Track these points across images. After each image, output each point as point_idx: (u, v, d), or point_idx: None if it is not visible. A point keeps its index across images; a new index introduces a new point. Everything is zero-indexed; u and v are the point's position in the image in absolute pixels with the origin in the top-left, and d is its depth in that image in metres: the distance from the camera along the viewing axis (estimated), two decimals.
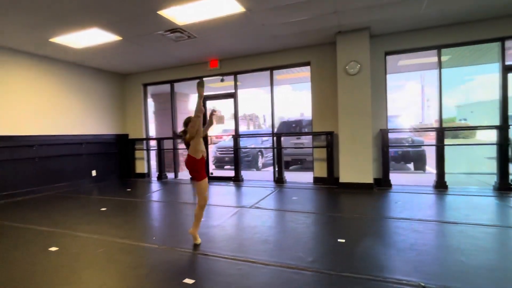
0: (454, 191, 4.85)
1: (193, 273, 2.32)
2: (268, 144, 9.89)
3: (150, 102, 8.75)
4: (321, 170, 5.98)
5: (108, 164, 7.45)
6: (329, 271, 2.26)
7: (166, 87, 7.91)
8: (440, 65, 5.25)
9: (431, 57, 6.01)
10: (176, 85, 7.63)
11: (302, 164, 9.16)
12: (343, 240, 2.87)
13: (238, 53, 6.37)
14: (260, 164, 10.44)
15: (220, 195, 5.40)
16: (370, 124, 5.24)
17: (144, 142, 7.85)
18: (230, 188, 6.00)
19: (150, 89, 8.14)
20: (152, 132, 8.72)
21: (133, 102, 7.92)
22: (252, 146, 10.08)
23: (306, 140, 8.54)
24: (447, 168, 5.16)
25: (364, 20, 4.80)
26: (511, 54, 5.41)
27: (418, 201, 4.40)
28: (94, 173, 7.04)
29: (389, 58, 5.63)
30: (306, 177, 6.52)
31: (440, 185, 5.08)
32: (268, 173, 8.12)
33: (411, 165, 8.56)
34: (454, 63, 7.17)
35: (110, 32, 4.83)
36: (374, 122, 5.43)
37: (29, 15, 4.11)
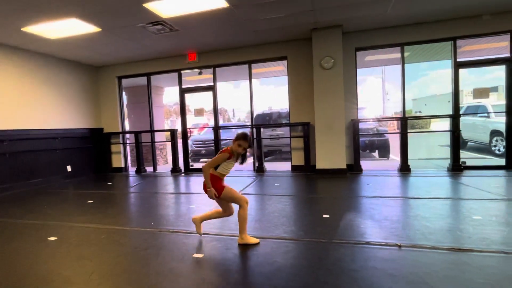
0: (416, 173, 5.48)
1: (200, 249, 2.53)
2: None
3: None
4: (298, 158, 6.37)
5: (83, 159, 7.24)
6: (320, 240, 2.60)
7: (139, 80, 7.81)
8: (403, 60, 5.83)
9: (394, 53, 6.63)
10: (152, 78, 7.57)
11: (280, 154, 9.53)
12: (328, 216, 3.23)
13: (217, 47, 6.50)
14: None
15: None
16: (343, 115, 5.70)
17: (120, 136, 7.71)
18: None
19: (123, 82, 7.98)
20: (126, 126, 8.56)
21: (107, 95, 7.72)
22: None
23: (281, 132, 8.90)
24: (409, 154, 5.80)
25: (338, 18, 5.20)
26: (461, 52, 6.14)
27: (387, 182, 4.94)
28: (69, 168, 6.82)
29: (359, 54, 6.12)
30: (284, 166, 6.89)
31: (404, 168, 5.70)
32: (247, 164, 8.35)
33: (376, 154, 9.31)
34: (412, 59, 7.92)
35: (89, 23, 4.74)
36: (346, 113, 5.90)
37: (2, 1, 3.92)
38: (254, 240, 2.56)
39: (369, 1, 4.52)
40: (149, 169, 7.65)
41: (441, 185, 4.54)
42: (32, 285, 2.03)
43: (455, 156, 5.53)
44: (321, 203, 3.89)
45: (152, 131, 7.60)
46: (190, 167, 7.31)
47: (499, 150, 8.50)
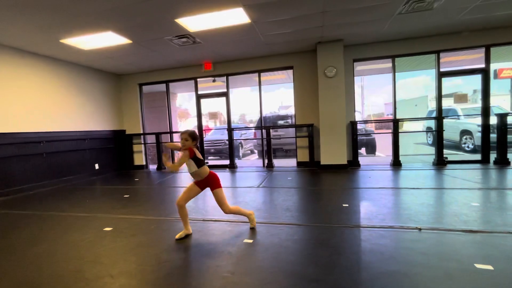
0: (406, 167, 5.64)
1: (249, 235, 2.56)
2: (246, 136, 10.20)
3: None
4: (303, 155, 6.45)
5: (108, 157, 7.13)
6: (347, 225, 2.67)
7: (155, 86, 7.74)
8: (394, 70, 5.98)
9: (382, 64, 6.79)
10: (163, 85, 7.53)
11: (281, 152, 9.60)
12: (347, 205, 3.31)
13: (232, 57, 6.50)
14: (240, 154, 10.68)
15: (226, 179, 5.58)
16: (344, 117, 5.81)
17: (142, 136, 7.62)
18: (229, 174, 6.19)
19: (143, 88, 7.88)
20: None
21: (129, 100, 7.61)
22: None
23: (283, 132, 8.98)
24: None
25: (341, 33, 5.29)
26: (443, 62, 6.33)
27: (384, 175, 5.07)
28: (97, 166, 6.70)
29: (355, 64, 6.24)
30: (290, 163, 6.95)
31: (396, 163, 5.85)
32: (252, 161, 8.42)
33: (362, 151, 9.50)
34: (399, 69, 8.10)
35: (122, 36, 4.68)
36: (346, 115, 6.01)
37: (45, 16, 3.81)
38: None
39: (370, 20, 4.62)
40: None
41: (432, 177, 4.70)
42: (103, 270, 2.03)
43: (439, 152, 5.72)
44: (334, 194, 3.97)
45: (171, 132, 7.53)
46: (206, 164, 7.27)
47: (468, 147, 8.82)
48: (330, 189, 4.23)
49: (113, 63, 6.41)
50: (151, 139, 7.79)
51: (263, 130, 6.73)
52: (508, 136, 7.83)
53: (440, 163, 5.67)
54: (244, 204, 3.59)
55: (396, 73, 6.00)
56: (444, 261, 1.91)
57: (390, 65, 6.01)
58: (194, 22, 4.31)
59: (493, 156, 5.63)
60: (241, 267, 1.97)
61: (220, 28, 4.58)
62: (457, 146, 9.38)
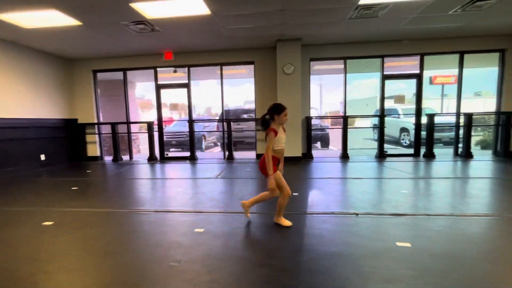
0: (353, 160, 6.05)
1: (201, 224, 2.52)
2: (210, 129, 10.01)
3: None
4: (262, 148, 6.54)
5: (57, 148, 6.43)
6: (296, 212, 2.78)
7: (113, 74, 7.15)
8: (345, 71, 6.31)
9: (335, 65, 7.12)
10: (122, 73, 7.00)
11: (243, 145, 9.61)
12: (297, 194, 3.45)
13: (193, 48, 6.25)
14: (203, 146, 10.46)
15: (185, 171, 5.42)
16: (300, 113, 5.99)
17: (96, 126, 7.01)
18: (189, 165, 6.03)
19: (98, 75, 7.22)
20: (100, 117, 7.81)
21: (82, 88, 6.92)
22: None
23: (245, 125, 8.97)
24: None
25: (299, 33, 5.40)
26: (387, 66, 6.84)
27: (334, 166, 5.37)
28: (43, 157, 6.01)
29: (312, 63, 6.45)
30: (250, 155, 7.00)
31: (344, 156, 6.25)
32: (215, 153, 8.30)
33: (318, 144, 9.96)
34: (350, 70, 8.58)
35: (70, 16, 4.19)
36: (301, 111, 6.22)
37: None
38: (287, 223, 2.40)
39: (325, 22, 4.79)
40: (125, 157, 7.12)
41: (374, 168, 5.11)
42: (38, 267, 1.84)
43: (381, 146, 6.24)
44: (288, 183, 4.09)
45: (128, 123, 7.04)
46: (165, 156, 7.00)
47: (405, 142, 9.76)
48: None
49: (61, 46, 5.74)
50: (107, 129, 7.21)
51: (224, 123, 6.65)
52: (436, 133, 8.85)
53: (381, 156, 6.20)
54: (200, 195, 3.52)
55: (349, 74, 6.34)
56: (373, 241, 2.10)
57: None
58: (151, 8, 4.03)
59: (423, 150, 6.31)
60: (189, 256, 1.93)
61: (179, 17, 4.36)
62: (397, 142, 10.32)
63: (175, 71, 6.96)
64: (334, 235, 2.23)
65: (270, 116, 2.38)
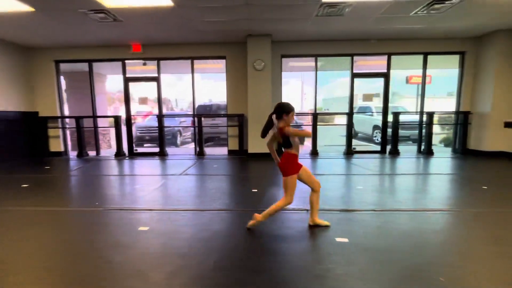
0: (322, 156, 6.15)
1: (147, 223, 2.44)
2: (186, 124, 9.81)
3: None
4: (233, 144, 6.49)
5: (15, 142, 6.05)
6: (249, 209, 2.77)
7: (79, 65, 6.79)
8: (316, 68, 6.36)
9: (311, 62, 7.15)
10: (93, 64, 6.67)
11: (218, 141, 9.52)
12: (256, 190, 3.44)
13: (162, 41, 6.05)
14: (179, 142, 10.26)
15: (151, 167, 5.27)
16: (270, 109, 5.97)
17: (59, 120, 6.65)
18: (157, 161, 5.87)
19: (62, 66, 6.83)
20: (66, 111, 7.42)
21: (43, 79, 6.51)
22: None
23: (220, 121, 8.88)
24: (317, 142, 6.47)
25: (268, 29, 5.35)
26: (357, 65, 6.97)
27: (308, 163, 5.40)
28: None
29: (284, 60, 6.45)
30: (222, 151, 6.94)
31: (314, 153, 6.33)
32: (189, 149, 8.15)
33: None
34: (324, 67, 8.68)
35: (20, 1, 3.90)
36: (272, 108, 6.20)
37: None
38: (324, 223, 2.29)
39: (292, 18, 4.77)
40: (92, 153, 6.83)
41: (339, 165, 5.21)
42: None
43: (349, 143, 6.38)
44: (251, 180, 4.10)
45: (94, 117, 6.74)
46: (134, 151, 6.78)
47: (377, 139, 10.05)
48: (247, 176, 4.35)
49: (18, 33, 5.35)
50: (73, 123, 6.85)
51: (195, 118, 6.52)
52: (405, 131, 9.17)
53: (349, 153, 6.34)
54: (156, 192, 3.43)
55: (332, 72, 6.41)
56: (316, 236, 2.12)
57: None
58: None
59: (389, 147, 6.52)
60: (130, 255, 1.86)
61: (141, 8, 4.17)
62: (370, 139, 10.62)
63: (144, 64, 6.72)
64: (279, 231, 2.23)
65: (278, 115, 2.26)
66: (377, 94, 7.69)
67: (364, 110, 11.20)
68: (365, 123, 11.04)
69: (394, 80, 6.77)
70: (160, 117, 6.49)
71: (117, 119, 6.48)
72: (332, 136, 12.67)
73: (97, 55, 6.41)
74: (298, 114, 6.65)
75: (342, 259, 1.78)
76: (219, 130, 8.98)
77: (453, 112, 6.42)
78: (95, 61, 6.53)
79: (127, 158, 6.37)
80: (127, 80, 6.59)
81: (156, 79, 6.49)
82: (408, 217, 2.52)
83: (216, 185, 3.80)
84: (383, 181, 3.94)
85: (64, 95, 7.51)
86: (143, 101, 7.01)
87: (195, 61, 6.49)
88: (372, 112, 10.76)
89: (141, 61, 6.64)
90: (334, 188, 3.57)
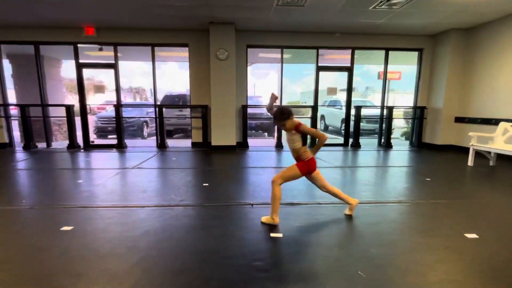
0: (286, 149, 6.14)
1: (71, 222, 2.24)
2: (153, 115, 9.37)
3: (6, 63, 6.57)
4: (197, 136, 6.29)
5: None
6: (194, 205, 2.65)
7: (28, 48, 6.13)
8: (282, 60, 6.28)
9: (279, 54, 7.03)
10: (44, 48, 6.07)
11: (185, 133, 9.22)
12: (207, 184, 3.32)
13: (119, 25, 5.62)
14: (145, 133, 9.80)
15: (103, 161, 4.94)
16: (234, 100, 5.83)
17: (2, 108, 6.00)
18: (113, 154, 5.53)
19: (5, 48, 6.14)
20: (12, 98, 6.74)
21: None
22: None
23: (187, 112, 8.56)
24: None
25: (230, 16, 5.14)
26: (326, 58, 6.99)
27: (262, 156, 5.37)
28: None
29: (253, 50, 6.28)
30: (186, 143, 6.71)
31: (279, 145, 6.31)
32: (152, 141, 7.77)
33: (266, 133, 10.03)
34: (295, 60, 8.63)
35: None
36: (238, 100, 6.07)
37: None
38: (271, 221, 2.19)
39: (253, 6, 4.60)
40: (42, 145, 6.28)
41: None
42: None
43: (312, 138, 6.41)
44: (207, 174, 3.96)
45: (43, 105, 6.17)
46: (91, 143, 6.34)
47: None
48: (204, 170, 4.21)
49: None
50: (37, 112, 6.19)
51: (156, 108, 6.20)
52: (371, 125, 9.43)
53: (313, 145, 6.38)
54: (100, 188, 3.19)
55: (312, 65, 6.31)
56: (252, 232, 2.06)
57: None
58: None
59: (351, 140, 6.68)
60: (41, 258, 1.66)
61: None
62: (338, 132, 10.85)
63: (100, 49, 6.23)
64: (213, 229, 2.14)
65: (283, 121, 2.21)
66: (331, 88, 7.63)
67: (334, 104, 11.41)
68: (335, 117, 11.25)
69: (368, 75, 6.94)
70: (118, 107, 6.09)
71: (69, 108, 5.98)
72: None
73: (45, 37, 5.82)
74: (257, 106, 6.53)
75: (267, 254, 1.73)
76: (187, 122, 8.68)
77: (411, 107, 6.69)
78: (42, 44, 5.93)
79: (82, 150, 5.93)
80: (80, 66, 6.07)
81: (114, 66, 6.05)
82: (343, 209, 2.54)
83: (166, 179, 3.62)
84: (336, 174, 3.99)
85: (11, 81, 6.82)
86: (99, 89, 6.52)
87: (163, 48, 6.13)
88: (342, 106, 10.96)
89: (97, 47, 6.14)
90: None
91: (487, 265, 1.64)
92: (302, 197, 2.86)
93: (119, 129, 6.12)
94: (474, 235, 2.03)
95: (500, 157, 4.67)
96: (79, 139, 6.29)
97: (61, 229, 2.09)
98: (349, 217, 2.37)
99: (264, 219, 2.24)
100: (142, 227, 2.14)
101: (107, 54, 6.40)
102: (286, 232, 2.06)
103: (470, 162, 4.48)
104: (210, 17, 5.15)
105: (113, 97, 6.26)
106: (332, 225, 2.25)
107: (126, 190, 3.14)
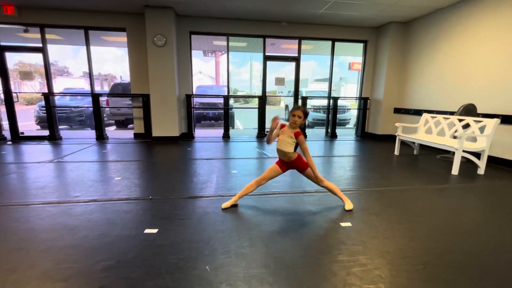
0: (233, 140, 6.10)
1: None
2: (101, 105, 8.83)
3: None
4: (139, 127, 6.03)
5: None
6: (87, 200, 2.51)
7: None
8: (228, 48, 6.12)
9: (238, 42, 6.85)
10: None
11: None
12: (119, 178, 3.17)
13: (45, 4, 5.11)
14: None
15: (23, 154, 4.56)
16: (175, 90, 5.62)
17: None
18: (41, 146, 5.13)
19: None
20: None
21: None
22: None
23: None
24: (238, 125, 6.36)
25: (168, 0, 4.86)
26: (277, 48, 6.93)
27: (204, 147, 5.27)
28: None
29: (207, 38, 6.04)
30: (128, 134, 6.42)
31: (226, 136, 6.25)
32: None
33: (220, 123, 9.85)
34: (249, 49, 8.49)
35: None
36: (182, 89, 5.87)
37: None
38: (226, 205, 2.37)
39: None
40: None
41: (236, 149, 5.18)
42: None
43: (260, 127, 6.43)
44: (129, 168, 3.80)
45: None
46: (20, 135, 5.84)
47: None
48: (130, 163, 4.03)
49: None
50: None
51: (93, 97, 5.81)
52: (319, 114, 9.62)
53: (260, 136, 6.41)
54: (5, 185, 2.93)
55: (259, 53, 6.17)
56: (113, 225, 1.98)
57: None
58: None
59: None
60: None
61: None
62: None
63: (26, 31, 5.66)
64: (109, 223, 2.03)
65: (303, 120, 2.21)
66: (279, 78, 7.57)
67: (292, 95, 11.52)
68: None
69: (340, 66, 6.98)
70: (48, 95, 5.63)
71: None
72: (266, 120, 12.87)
73: None
74: (199, 95, 6.34)
75: (142, 251, 1.67)
76: (130, 111, 8.30)
77: (356, 98, 6.89)
78: None
79: (8, 142, 5.45)
80: (2, 49, 5.49)
81: (42, 50, 5.54)
82: (261, 200, 2.55)
83: (81, 173, 3.42)
84: (268, 165, 4.01)
85: None
86: (27, 75, 5.97)
87: (103, 33, 5.68)
88: (303, 97, 11.06)
89: (22, 28, 5.57)
90: (209, 172, 3.49)
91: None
92: (221, 190, 2.82)
93: (51, 119, 5.68)
94: (348, 224, 2.12)
95: (423, 146, 4.97)
96: (6, 131, 5.77)
97: None
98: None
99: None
100: (50, 224, 1.97)
101: (35, 36, 5.84)
102: (160, 228, 2.00)
103: (396, 151, 4.72)
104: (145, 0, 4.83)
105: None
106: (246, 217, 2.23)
107: (26, 186, 2.91)
